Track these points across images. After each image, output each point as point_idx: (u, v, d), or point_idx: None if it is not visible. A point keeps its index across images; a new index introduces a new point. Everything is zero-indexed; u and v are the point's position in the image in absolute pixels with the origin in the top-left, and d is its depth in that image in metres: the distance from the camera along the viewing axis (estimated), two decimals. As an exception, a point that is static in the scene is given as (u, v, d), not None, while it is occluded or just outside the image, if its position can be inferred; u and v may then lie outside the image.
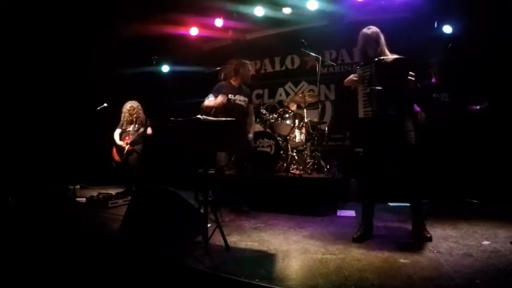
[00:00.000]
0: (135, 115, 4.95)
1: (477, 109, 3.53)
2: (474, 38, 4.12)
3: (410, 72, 2.61)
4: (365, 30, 2.72)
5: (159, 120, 4.90)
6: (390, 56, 2.66)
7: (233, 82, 3.99)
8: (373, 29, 2.70)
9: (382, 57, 2.60)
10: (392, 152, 2.73)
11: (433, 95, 3.67)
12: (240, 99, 3.98)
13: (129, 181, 4.93)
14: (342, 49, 5.91)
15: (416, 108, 3.65)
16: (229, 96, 3.87)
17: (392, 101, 2.58)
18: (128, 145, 4.83)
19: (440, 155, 3.57)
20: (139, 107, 5.04)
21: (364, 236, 2.75)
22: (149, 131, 4.98)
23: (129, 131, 4.93)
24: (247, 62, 4.09)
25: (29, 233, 3.05)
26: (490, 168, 4.06)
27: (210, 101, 3.78)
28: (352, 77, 2.81)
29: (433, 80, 3.77)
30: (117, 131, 5.00)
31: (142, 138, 4.95)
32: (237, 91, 3.97)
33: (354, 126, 5.49)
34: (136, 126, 4.95)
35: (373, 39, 2.67)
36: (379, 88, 2.57)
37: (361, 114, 2.72)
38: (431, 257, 2.32)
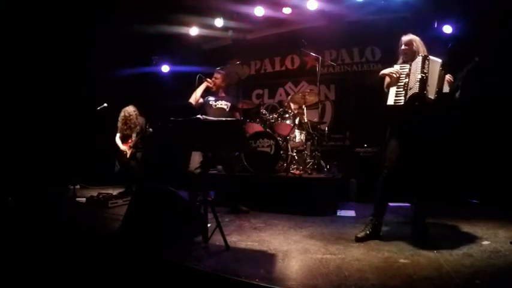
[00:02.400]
0: (132, 123, 4.95)
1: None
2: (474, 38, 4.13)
3: (449, 75, 2.73)
4: (404, 36, 2.89)
5: (159, 120, 4.92)
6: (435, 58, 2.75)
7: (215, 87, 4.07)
8: (410, 36, 2.86)
9: (428, 55, 2.72)
10: (413, 147, 2.72)
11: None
12: (221, 103, 4.02)
13: (129, 181, 4.93)
14: (342, 49, 5.91)
15: None
16: (210, 102, 3.99)
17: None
18: (131, 148, 4.85)
19: (440, 155, 3.57)
20: (136, 112, 5.03)
21: (369, 236, 2.74)
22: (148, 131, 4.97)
23: (129, 134, 4.95)
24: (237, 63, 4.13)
25: (29, 233, 3.05)
26: (489, 168, 4.06)
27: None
28: (390, 69, 2.86)
29: None
30: (118, 136, 5.01)
31: (143, 139, 4.95)
32: (218, 96, 4.05)
33: (353, 125, 5.51)
34: (137, 128, 4.95)
35: (409, 44, 2.83)
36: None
37: (390, 102, 2.76)
38: (431, 257, 2.32)
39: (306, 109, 4.90)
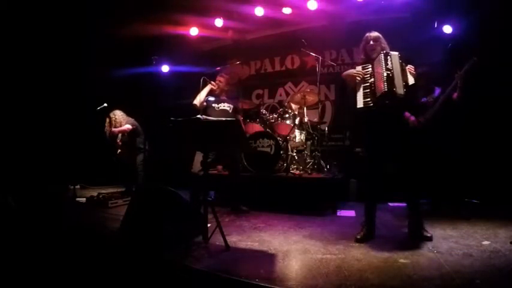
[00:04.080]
0: (117, 122, 4.91)
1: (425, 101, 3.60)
2: (474, 38, 4.12)
3: (409, 66, 2.70)
4: (368, 33, 2.85)
5: (159, 120, 4.91)
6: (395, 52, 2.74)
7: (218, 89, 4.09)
8: (372, 35, 2.83)
9: (389, 51, 2.71)
10: (391, 145, 2.71)
11: (423, 99, 3.70)
12: (224, 105, 4.05)
13: (129, 181, 4.93)
14: (342, 49, 5.90)
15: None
16: (213, 104, 4.01)
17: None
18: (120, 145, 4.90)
19: (440, 155, 3.57)
20: (123, 115, 4.96)
21: (367, 236, 2.75)
22: (127, 127, 4.92)
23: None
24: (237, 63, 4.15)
25: (29, 233, 3.05)
26: (489, 168, 4.06)
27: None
28: (352, 71, 2.86)
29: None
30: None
31: (132, 134, 4.95)
32: (220, 98, 4.08)
33: (353, 124, 5.51)
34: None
35: (375, 41, 2.80)
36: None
37: (360, 104, 2.75)
38: (431, 257, 2.32)
39: (306, 109, 4.90)
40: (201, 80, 3.86)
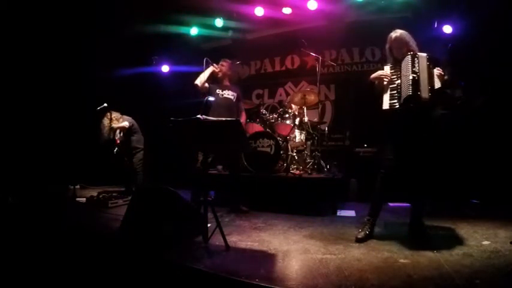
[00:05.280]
0: (113, 125, 4.92)
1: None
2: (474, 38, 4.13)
3: (437, 68, 2.66)
4: (392, 33, 2.81)
5: (159, 120, 4.91)
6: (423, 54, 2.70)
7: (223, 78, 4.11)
8: (399, 32, 2.79)
9: (416, 53, 2.68)
10: (412, 148, 2.70)
11: (447, 91, 3.57)
12: (228, 93, 4.06)
13: (129, 181, 4.93)
14: (342, 49, 5.91)
15: None
16: (217, 90, 4.00)
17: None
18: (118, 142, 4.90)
19: (440, 154, 3.56)
20: (117, 114, 4.96)
21: (368, 236, 2.75)
22: (126, 124, 4.92)
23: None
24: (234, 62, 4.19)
25: (29, 233, 3.05)
26: (490, 168, 4.06)
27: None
28: (380, 73, 2.84)
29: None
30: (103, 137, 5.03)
31: (128, 132, 4.95)
32: (223, 86, 4.08)
33: (353, 125, 5.51)
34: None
35: (399, 41, 2.77)
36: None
37: (386, 106, 2.74)
38: (431, 257, 2.32)
39: (306, 109, 4.90)
40: (204, 61, 3.83)
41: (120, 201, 4.32)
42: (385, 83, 2.78)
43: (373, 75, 2.89)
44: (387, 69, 2.82)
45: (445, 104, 3.49)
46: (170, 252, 2.44)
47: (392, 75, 2.76)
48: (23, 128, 5.19)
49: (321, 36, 5.55)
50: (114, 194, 4.54)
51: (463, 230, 2.97)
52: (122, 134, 4.96)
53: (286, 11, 5.45)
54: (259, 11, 5.40)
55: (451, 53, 4.22)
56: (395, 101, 2.70)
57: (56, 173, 5.35)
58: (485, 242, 2.59)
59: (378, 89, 2.84)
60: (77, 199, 4.60)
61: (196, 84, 3.94)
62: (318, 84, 4.66)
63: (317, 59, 4.70)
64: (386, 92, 2.77)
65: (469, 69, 3.42)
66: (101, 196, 4.38)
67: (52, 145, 5.44)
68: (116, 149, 4.94)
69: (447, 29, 4.53)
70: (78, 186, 5.39)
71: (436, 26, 4.61)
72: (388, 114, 2.77)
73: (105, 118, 4.90)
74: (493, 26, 4.04)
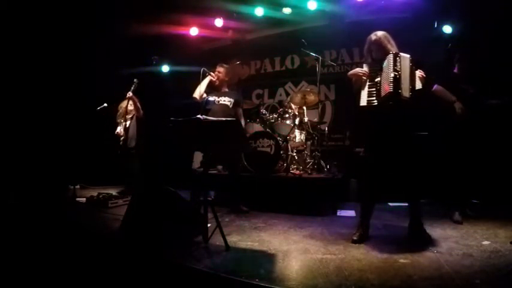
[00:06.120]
0: (124, 112, 4.91)
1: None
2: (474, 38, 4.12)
3: (419, 70, 2.67)
4: (371, 35, 2.82)
5: (159, 120, 4.91)
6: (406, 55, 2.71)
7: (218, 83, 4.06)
8: (378, 34, 2.79)
9: (399, 52, 2.67)
10: (394, 146, 2.69)
11: (462, 86, 3.45)
12: (224, 100, 4.00)
13: (129, 181, 4.93)
14: (342, 49, 5.91)
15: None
16: (213, 97, 3.97)
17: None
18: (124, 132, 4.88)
19: (440, 154, 3.56)
20: (128, 104, 4.93)
21: (362, 237, 2.74)
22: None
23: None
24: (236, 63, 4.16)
25: (29, 233, 3.05)
26: (490, 168, 4.05)
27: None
28: (358, 70, 2.84)
29: (455, 70, 3.60)
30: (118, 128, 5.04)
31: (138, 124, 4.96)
32: (220, 93, 4.04)
33: (353, 124, 5.50)
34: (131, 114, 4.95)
35: (378, 43, 2.77)
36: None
37: (363, 103, 2.73)
38: (431, 257, 2.32)
39: (306, 109, 4.90)
40: (201, 71, 3.83)
41: (120, 201, 4.32)
42: (363, 79, 2.77)
43: (350, 72, 2.91)
44: (365, 68, 2.82)
45: (460, 99, 3.41)
46: (170, 252, 2.44)
47: (371, 72, 2.75)
48: (23, 128, 5.19)
49: (321, 36, 5.54)
50: (114, 194, 4.54)
51: (463, 230, 2.97)
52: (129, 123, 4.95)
53: (286, 11, 5.45)
54: (259, 11, 5.40)
55: (450, 53, 4.22)
56: (374, 98, 2.69)
57: (56, 173, 5.35)
58: (485, 242, 2.59)
59: (356, 86, 2.84)
60: (77, 199, 4.60)
61: (195, 98, 3.92)
62: (318, 84, 4.66)
63: (317, 59, 4.70)
64: (364, 88, 2.76)
65: (482, 69, 3.39)
66: (101, 196, 4.38)
67: (52, 145, 5.44)
68: (122, 138, 4.91)
69: (447, 29, 4.53)
70: (78, 186, 5.39)
71: (436, 26, 4.61)
72: (364, 112, 2.75)
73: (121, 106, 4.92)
74: (492, 25, 4.04)
